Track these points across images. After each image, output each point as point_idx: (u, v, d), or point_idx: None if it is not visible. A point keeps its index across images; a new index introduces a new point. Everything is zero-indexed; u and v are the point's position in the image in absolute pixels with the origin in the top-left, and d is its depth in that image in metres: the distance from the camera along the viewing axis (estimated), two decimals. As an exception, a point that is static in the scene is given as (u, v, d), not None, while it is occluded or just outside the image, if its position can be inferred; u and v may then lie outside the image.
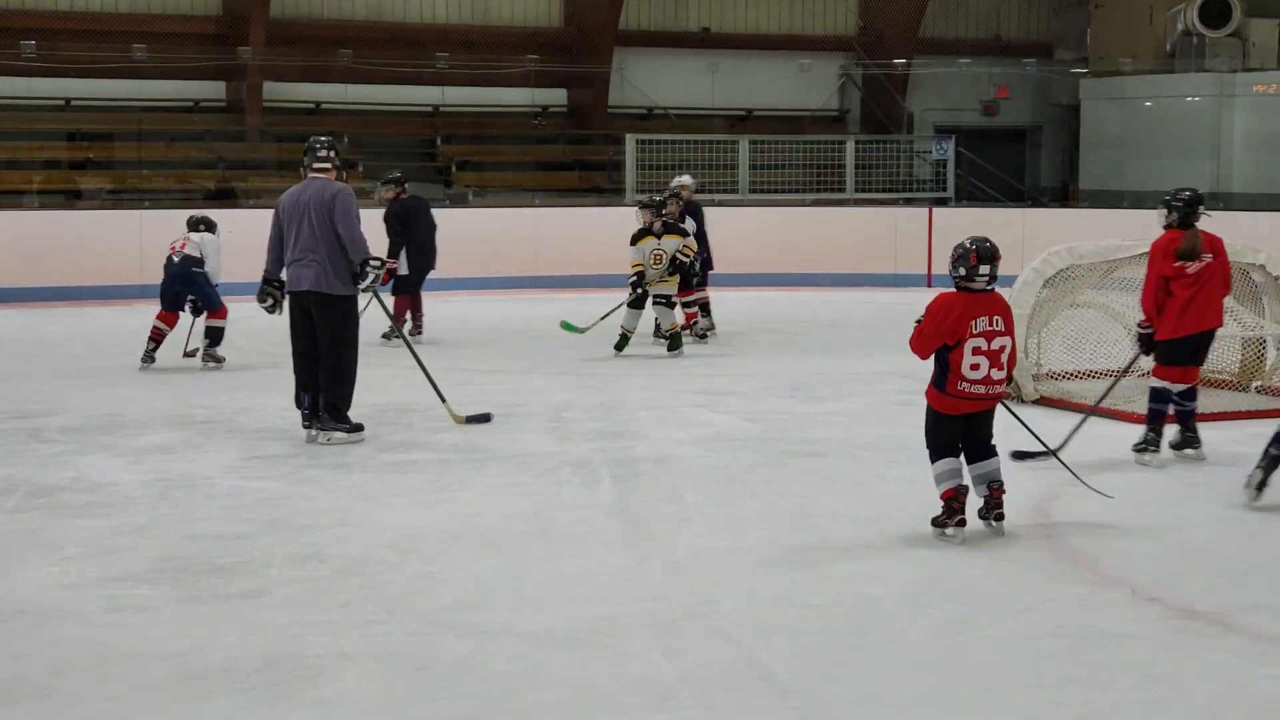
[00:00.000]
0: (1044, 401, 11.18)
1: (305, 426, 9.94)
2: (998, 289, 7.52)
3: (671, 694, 5.26)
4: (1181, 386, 9.44)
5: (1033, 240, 17.12)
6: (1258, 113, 23.81)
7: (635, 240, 14.30)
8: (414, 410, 10.96)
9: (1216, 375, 11.76)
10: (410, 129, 25.18)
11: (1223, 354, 11.80)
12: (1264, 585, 6.63)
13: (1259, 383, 11.59)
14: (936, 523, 7.41)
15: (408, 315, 15.03)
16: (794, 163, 23.97)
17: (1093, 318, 12.09)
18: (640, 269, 14.22)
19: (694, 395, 11.86)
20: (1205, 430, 10.17)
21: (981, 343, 7.30)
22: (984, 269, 7.33)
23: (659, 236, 14.27)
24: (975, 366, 7.32)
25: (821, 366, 13.57)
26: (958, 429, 7.51)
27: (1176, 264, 9.36)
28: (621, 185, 23.32)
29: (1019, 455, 8.76)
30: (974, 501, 7.51)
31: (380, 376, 12.87)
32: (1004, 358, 7.38)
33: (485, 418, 10.59)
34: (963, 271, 7.36)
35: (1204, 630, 6.01)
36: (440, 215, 15.63)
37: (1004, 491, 7.51)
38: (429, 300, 15.69)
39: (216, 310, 13.31)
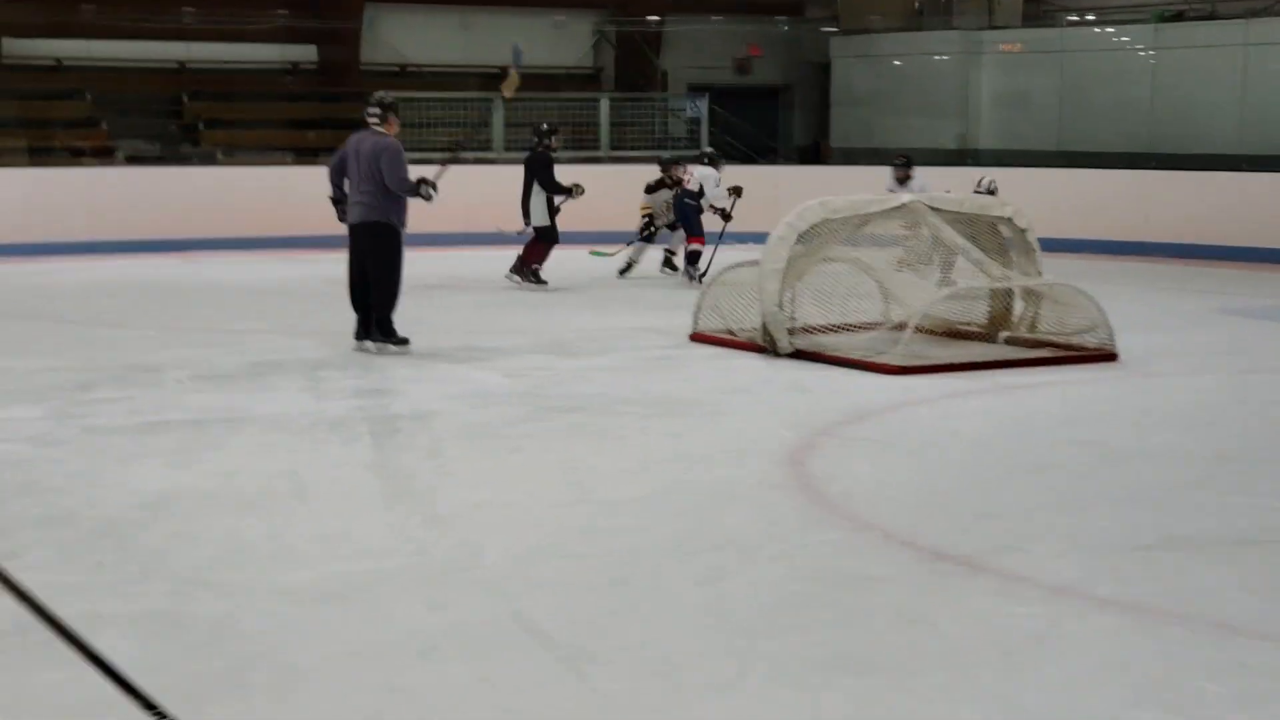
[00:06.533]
0: (799, 355, 11.34)
1: (357, 338, 11.67)
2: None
3: (435, 646, 5.22)
4: None
5: (786, 198, 17.33)
6: (1003, 71, 24.43)
7: (652, 190, 17.49)
8: (166, 370, 10.72)
9: (966, 327, 12.07)
10: (156, 86, 24.51)
11: (972, 306, 12.10)
12: (1012, 528, 6.82)
13: (1006, 333, 11.92)
14: None
15: None
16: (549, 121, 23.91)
17: (844, 271, 12.32)
18: (650, 212, 17.46)
19: (454, 353, 11.78)
20: (953, 380, 10.46)
21: None
22: None
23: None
24: None
25: (582, 323, 13.58)
26: None
27: None
28: (375, 143, 23.01)
29: None
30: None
31: (128, 337, 12.59)
32: None
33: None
34: None
35: (955, 572, 6.16)
36: (188, 174, 15.28)
37: None
38: (175, 261, 15.34)
39: (695, 236, 16.75)
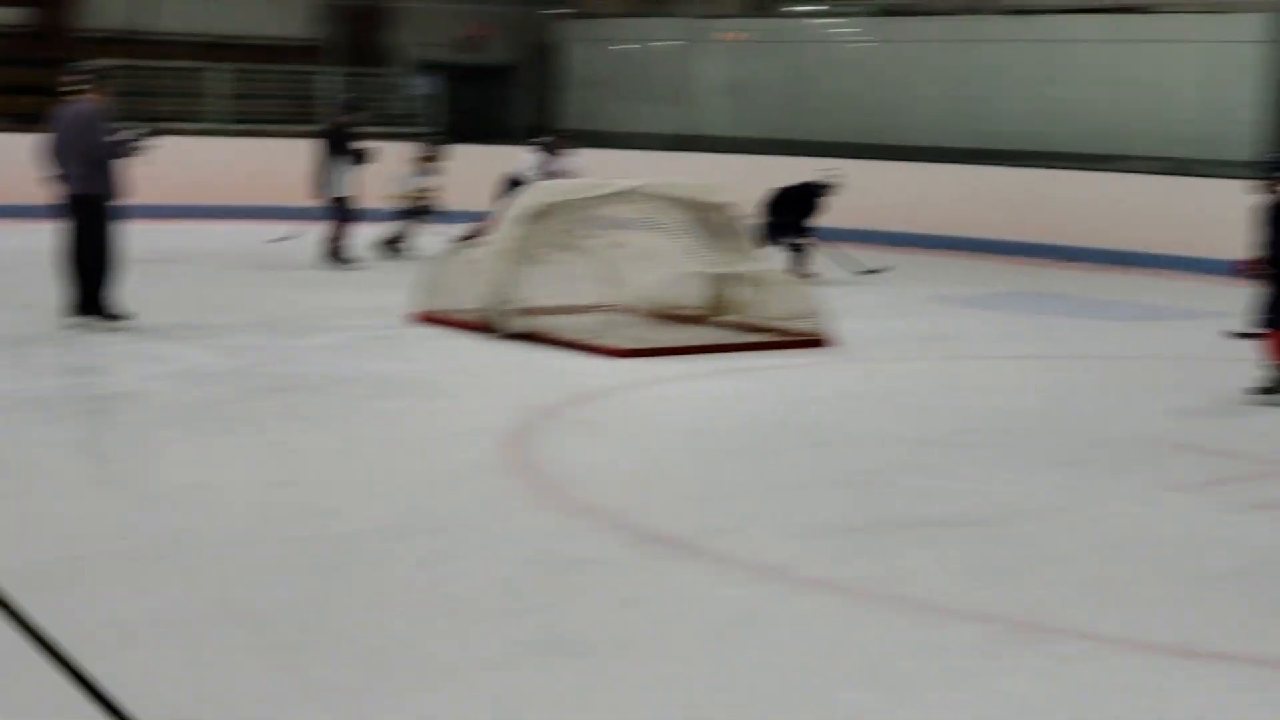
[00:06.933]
0: (524, 336, 11.33)
1: (69, 313, 11.17)
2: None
3: (140, 633, 5.09)
4: None
5: (513, 178, 17.30)
6: (727, 58, 24.73)
7: (424, 171, 17.10)
8: None
9: (686, 311, 12.19)
10: None
11: (692, 290, 12.22)
12: (726, 510, 6.93)
13: (725, 318, 12.07)
14: None
15: None
16: (270, 93, 23.50)
17: (570, 255, 12.35)
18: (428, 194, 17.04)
19: (170, 330, 11.47)
20: (673, 363, 10.58)
21: None
22: None
23: None
24: None
25: (304, 301, 13.38)
26: None
27: None
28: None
29: None
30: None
31: None
32: None
33: None
34: None
35: (670, 554, 6.23)
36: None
37: None
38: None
39: None
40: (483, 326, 11.54)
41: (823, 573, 6.01)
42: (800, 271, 15.75)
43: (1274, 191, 9.65)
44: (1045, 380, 10.63)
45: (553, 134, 17.99)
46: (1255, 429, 8.98)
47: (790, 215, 15.95)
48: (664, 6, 25.56)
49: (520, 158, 17.50)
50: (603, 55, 25.81)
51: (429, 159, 17.40)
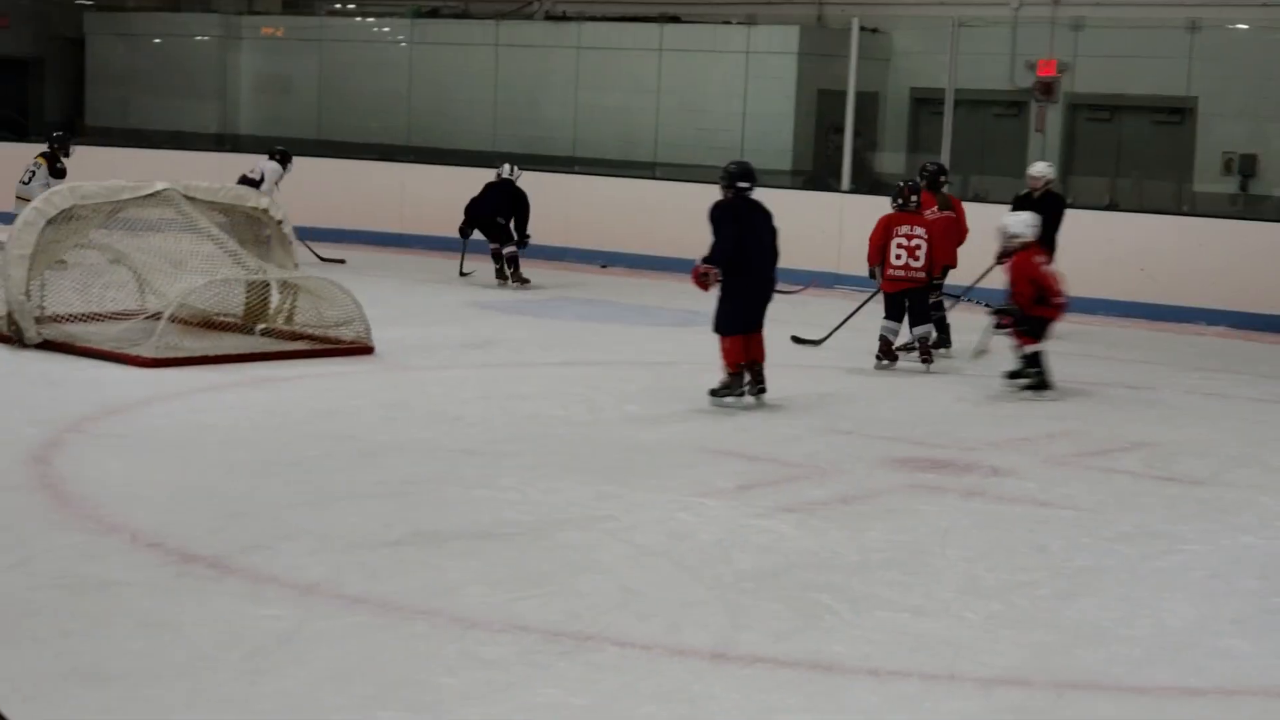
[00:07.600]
0: (48, 345, 10.86)
1: None
2: None
3: None
4: None
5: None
6: (264, 56, 24.30)
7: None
8: None
9: (222, 318, 11.88)
10: None
11: (228, 297, 11.92)
12: (262, 526, 6.77)
13: (264, 325, 11.83)
14: None
15: None
16: None
17: (98, 259, 11.90)
18: None
19: None
20: (208, 373, 10.31)
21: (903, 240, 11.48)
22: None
23: None
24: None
25: None
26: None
27: None
28: None
29: None
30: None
31: None
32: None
33: None
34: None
35: (203, 574, 6.04)
36: None
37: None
38: None
39: None
40: (4, 336, 11.00)
41: (362, 589, 5.93)
42: (514, 275, 16.14)
43: (723, 196, 9.98)
44: (585, 387, 10.77)
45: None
46: (780, 433, 9.32)
47: (491, 217, 16.30)
48: (197, 1, 24.90)
49: (258, 164, 16.92)
50: (133, 49, 24.96)
51: (56, 159, 16.27)
